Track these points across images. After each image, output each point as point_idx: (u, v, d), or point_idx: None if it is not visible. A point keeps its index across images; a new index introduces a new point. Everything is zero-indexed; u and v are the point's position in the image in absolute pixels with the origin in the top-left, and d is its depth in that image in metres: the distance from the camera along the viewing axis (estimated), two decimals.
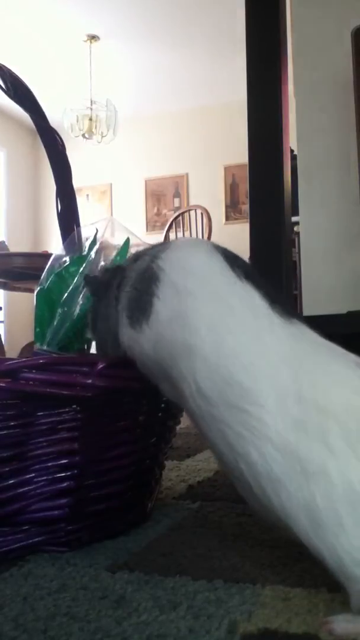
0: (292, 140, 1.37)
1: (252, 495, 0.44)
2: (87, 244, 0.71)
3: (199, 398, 0.46)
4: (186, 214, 4.08)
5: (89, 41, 4.32)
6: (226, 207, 5.30)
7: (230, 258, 0.50)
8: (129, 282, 0.54)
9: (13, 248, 4.15)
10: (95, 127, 4.44)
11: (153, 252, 0.54)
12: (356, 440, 0.39)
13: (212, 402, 0.45)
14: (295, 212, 1.62)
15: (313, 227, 1.85)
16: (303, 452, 0.40)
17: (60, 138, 0.73)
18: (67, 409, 0.56)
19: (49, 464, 0.56)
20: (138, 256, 0.56)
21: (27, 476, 0.55)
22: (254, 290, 0.47)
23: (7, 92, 0.68)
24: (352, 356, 0.44)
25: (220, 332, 0.46)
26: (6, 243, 3.78)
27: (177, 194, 5.51)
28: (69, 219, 0.73)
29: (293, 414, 0.41)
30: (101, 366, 0.54)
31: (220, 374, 0.45)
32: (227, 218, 5.27)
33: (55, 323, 0.67)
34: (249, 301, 0.47)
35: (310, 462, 0.40)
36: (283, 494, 0.41)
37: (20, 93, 0.69)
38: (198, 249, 0.53)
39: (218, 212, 5.11)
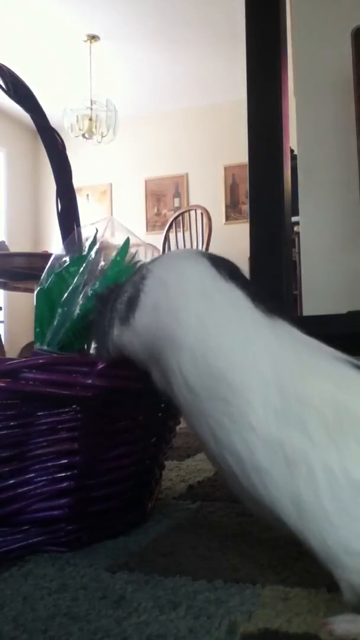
0: (292, 140, 1.37)
1: (240, 487, 0.45)
2: (87, 244, 0.71)
3: (185, 389, 0.48)
4: (186, 214, 4.08)
5: (89, 41, 4.32)
6: (226, 207, 5.30)
7: (216, 261, 0.52)
8: (123, 292, 0.56)
9: (13, 248, 4.15)
10: (95, 127, 4.43)
11: (146, 263, 0.57)
12: (335, 430, 0.40)
13: (197, 393, 0.47)
14: (295, 212, 1.62)
15: (313, 227, 1.85)
16: (285, 442, 0.41)
17: (60, 138, 0.73)
18: (67, 409, 0.56)
19: (49, 464, 0.56)
20: (136, 271, 0.59)
21: (27, 476, 0.55)
22: (239, 290, 0.49)
23: (7, 92, 0.68)
24: (332, 351, 0.46)
25: (205, 326, 0.47)
26: (6, 243, 3.78)
27: (177, 194, 5.51)
28: (69, 219, 0.73)
29: (275, 405, 0.42)
30: (101, 366, 0.54)
31: (204, 366, 0.46)
32: (227, 218, 5.27)
33: (55, 323, 0.67)
34: (233, 299, 0.49)
35: (292, 452, 0.41)
36: (269, 483, 0.42)
37: (21, 93, 0.69)
38: (184, 254, 0.56)
39: (218, 212, 5.10)
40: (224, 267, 0.51)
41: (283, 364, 0.44)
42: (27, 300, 4.18)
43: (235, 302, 0.48)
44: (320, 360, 0.44)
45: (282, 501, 0.41)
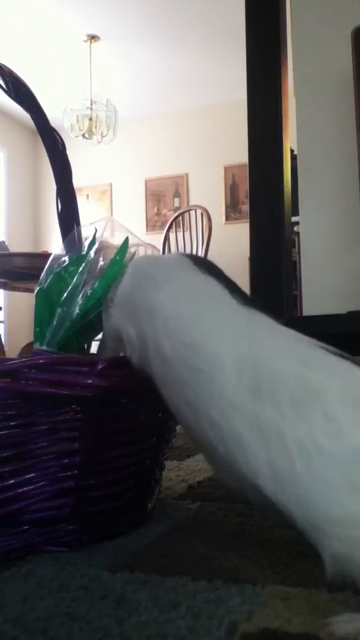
0: (292, 140, 1.37)
1: (220, 460, 0.46)
2: (86, 244, 0.71)
3: (158, 358, 0.50)
4: (186, 214, 4.07)
5: (89, 41, 4.33)
6: (226, 207, 5.30)
7: (198, 259, 0.55)
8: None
9: (13, 248, 4.15)
10: (95, 127, 4.44)
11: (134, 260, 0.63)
12: (303, 404, 0.42)
13: (171, 363, 0.48)
14: (295, 212, 1.62)
15: (313, 227, 1.84)
16: (258, 413, 0.43)
17: (61, 138, 0.73)
18: (67, 409, 0.56)
19: (49, 464, 0.56)
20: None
21: (28, 476, 0.55)
22: (217, 283, 0.52)
23: (7, 92, 0.68)
24: (305, 337, 0.47)
25: (182, 301, 0.50)
26: (6, 243, 3.78)
27: (177, 194, 5.51)
28: (69, 219, 0.73)
29: (248, 378, 0.44)
30: (101, 366, 0.54)
31: (179, 336, 0.48)
32: (227, 218, 5.27)
33: (54, 323, 0.67)
34: (210, 288, 0.51)
35: (265, 424, 0.43)
36: (247, 451, 0.43)
37: (21, 93, 0.69)
38: (168, 255, 0.60)
39: (218, 212, 5.10)
40: (204, 265, 0.54)
41: (257, 342, 0.46)
42: (27, 300, 4.18)
43: (212, 290, 0.51)
44: (293, 343, 0.47)
45: (260, 469, 0.42)
